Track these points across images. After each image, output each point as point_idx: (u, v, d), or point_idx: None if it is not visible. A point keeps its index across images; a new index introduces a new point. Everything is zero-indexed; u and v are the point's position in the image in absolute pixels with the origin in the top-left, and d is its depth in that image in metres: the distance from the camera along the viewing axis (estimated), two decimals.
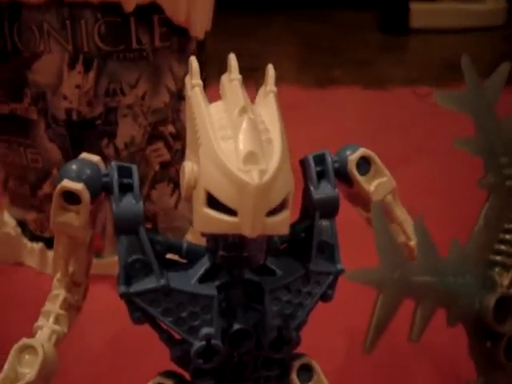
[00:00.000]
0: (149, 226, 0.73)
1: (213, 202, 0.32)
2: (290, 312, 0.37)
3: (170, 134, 0.71)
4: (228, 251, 0.34)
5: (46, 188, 0.73)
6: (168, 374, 0.38)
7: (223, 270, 0.36)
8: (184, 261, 0.37)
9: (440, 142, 0.82)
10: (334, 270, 0.38)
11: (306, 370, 0.40)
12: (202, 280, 0.36)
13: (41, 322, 0.38)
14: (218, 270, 0.36)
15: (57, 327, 0.38)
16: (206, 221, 0.32)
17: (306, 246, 0.38)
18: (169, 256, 0.37)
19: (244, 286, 0.36)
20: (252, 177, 0.31)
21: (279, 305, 0.37)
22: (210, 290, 0.36)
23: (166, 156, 0.71)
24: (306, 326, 0.39)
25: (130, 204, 0.35)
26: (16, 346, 0.36)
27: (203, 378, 0.37)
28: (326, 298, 0.39)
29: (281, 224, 0.33)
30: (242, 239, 0.33)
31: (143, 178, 0.71)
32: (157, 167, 0.71)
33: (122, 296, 0.35)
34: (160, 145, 0.71)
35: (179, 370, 0.38)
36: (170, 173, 0.72)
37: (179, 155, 0.72)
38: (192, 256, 0.37)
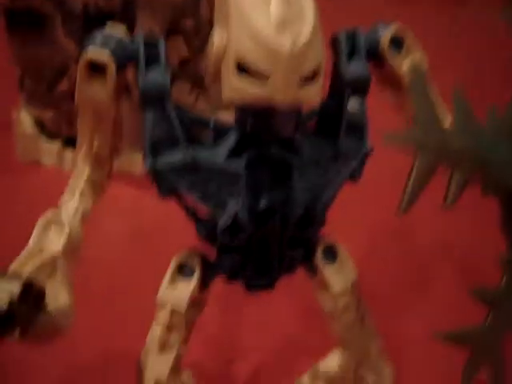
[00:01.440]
0: None
1: (243, 71, 0.31)
2: (317, 190, 0.37)
3: (190, 28, 0.69)
4: (257, 123, 0.33)
5: (63, 85, 0.72)
6: (192, 253, 0.38)
7: (251, 146, 0.35)
8: (210, 139, 0.37)
9: None
10: (363, 149, 0.38)
11: (331, 252, 0.40)
12: (230, 156, 0.35)
13: (66, 197, 0.38)
14: (246, 146, 0.35)
15: (82, 203, 0.38)
16: (237, 90, 0.32)
17: (335, 124, 0.37)
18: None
19: (272, 163, 0.36)
20: (286, 41, 0.30)
21: (307, 182, 0.36)
22: (237, 165, 0.35)
23: (185, 52, 0.70)
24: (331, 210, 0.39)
25: (156, 75, 0.34)
26: (41, 222, 0.36)
27: (229, 255, 0.37)
28: (354, 178, 0.38)
29: (312, 94, 0.32)
30: (272, 109, 0.32)
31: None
32: (176, 63, 0.70)
33: (149, 170, 0.35)
34: (179, 40, 0.69)
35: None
36: (188, 70, 0.71)
37: (198, 52, 0.70)
38: (219, 131, 0.36)
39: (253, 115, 0.34)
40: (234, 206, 0.35)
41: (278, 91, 0.31)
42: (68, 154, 0.76)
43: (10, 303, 0.30)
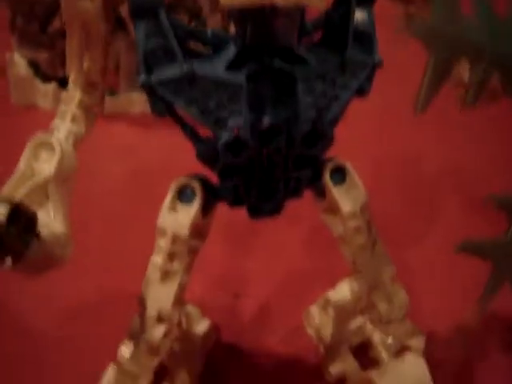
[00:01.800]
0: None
1: None
2: (324, 104, 0.34)
3: None
4: (257, 30, 0.31)
5: (56, 23, 0.70)
6: (192, 177, 0.36)
7: (251, 59, 0.33)
8: (207, 51, 0.34)
9: None
10: (372, 60, 0.35)
11: (340, 173, 0.38)
12: (230, 68, 0.33)
13: (56, 121, 0.36)
14: (246, 58, 0.33)
15: (74, 127, 0.36)
16: None
17: (341, 35, 0.35)
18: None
19: (275, 76, 0.33)
20: None
21: (313, 96, 0.34)
22: (238, 77, 0.33)
23: None
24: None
25: None
26: (31, 143, 0.34)
27: (231, 178, 0.35)
28: (362, 92, 0.36)
29: None
30: (272, 14, 0.30)
31: None
32: None
33: (143, 86, 0.33)
34: None
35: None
36: (186, 1, 0.68)
37: None
38: (217, 43, 0.34)
39: (252, 22, 0.31)
40: (236, 123, 0.33)
41: None
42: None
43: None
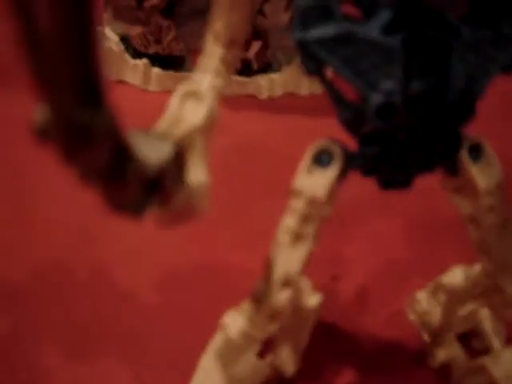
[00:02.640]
0: (258, 44, 0.70)
1: None
2: (474, 76, 0.34)
3: None
4: None
5: (154, 0, 0.70)
6: (332, 141, 0.36)
7: (406, 23, 0.33)
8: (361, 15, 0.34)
9: None
10: None
11: (476, 149, 0.37)
12: (385, 31, 0.32)
13: (199, 75, 0.36)
14: (401, 23, 0.33)
15: (216, 80, 0.35)
16: None
17: (494, 9, 0.34)
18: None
19: (429, 44, 0.33)
20: None
21: (465, 66, 0.33)
22: (393, 41, 0.32)
23: None
24: None
25: None
26: (179, 91, 0.34)
27: (371, 146, 0.35)
28: (508, 69, 0.35)
29: None
30: None
31: None
32: None
33: (298, 42, 0.32)
34: None
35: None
36: None
37: None
38: (372, 6, 0.33)
39: None
40: (389, 86, 0.32)
41: None
42: (154, 73, 0.74)
43: (162, 165, 0.27)
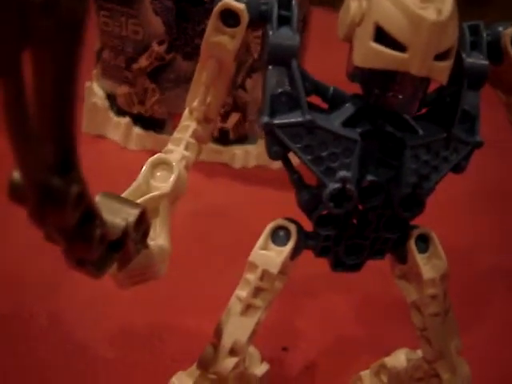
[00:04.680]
0: (237, 115, 0.73)
1: (380, 38, 0.32)
2: (425, 173, 0.37)
3: None
4: (384, 90, 0.33)
5: (143, 62, 0.73)
6: (289, 220, 0.38)
7: (366, 119, 0.35)
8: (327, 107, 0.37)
9: None
10: (473, 140, 0.37)
11: (424, 241, 0.39)
12: (345, 125, 0.35)
13: (171, 147, 0.38)
14: (361, 118, 0.36)
15: (187, 153, 0.38)
16: (372, 55, 0.32)
17: (449, 111, 0.37)
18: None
19: (385, 139, 0.36)
20: (429, 13, 0.31)
21: (417, 163, 0.36)
22: (353, 134, 0.35)
23: None
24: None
25: (286, 34, 0.35)
26: (150, 161, 0.36)
27: (325, 227, 0.37)
28: (459, 169, 0.38)
29: (445, 70, 0.33)
30: (402, 79, 0.32)
31: (241, 65, 0.70)
32: (256, 55, 0.70)
33: (265, 127, 0.35)
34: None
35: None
36: None
37: None
38: (336, 100, 0.36)
39: (380, 86, 0.34)
40: (345, 175, 0.35)
41: (415, 61, 0.31)
42: (135, 132, 0.76)
43: (126, 229, 0.29)
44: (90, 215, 0.25)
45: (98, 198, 0.29)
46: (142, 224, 0.31)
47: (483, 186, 0.74)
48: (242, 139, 0.74)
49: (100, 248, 0.27)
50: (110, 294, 0.52)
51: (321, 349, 0.52)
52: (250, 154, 0.74)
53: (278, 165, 0.74)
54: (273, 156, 0.36)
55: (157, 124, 0.76)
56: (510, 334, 0.57)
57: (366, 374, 0.47)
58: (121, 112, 0.77)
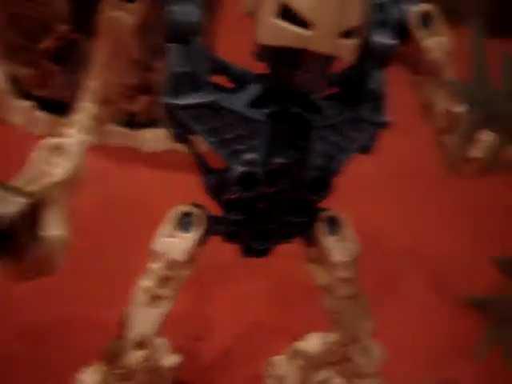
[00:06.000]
0: (146, 98, 0.71)
1: (284, 14, 0.30)
2: (332, 154, 0.36)
3: None
4: (291, 69, 0.32)
5: (46, 42, 0.70)
6: (196, 205, 0.37)
7: (272, 101, 0.34)
8: (232, 86, 0.35)
9: None
10: (379, 120, 0.37)
11: (334, 224, 0.38)
12: (251, 106, 0.34)
13: (67, 130, 0.36)
14: (267, 99, 0.34)
15: (85, 137, 0.36)
16: (275, 32, 0.31)
17: (355, 91, 0.36)
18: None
19: (291, 120, 0.35)
20: None
21: (324, 144, 0.35)
22: (259, 115, 0.34)
23: None
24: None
25: (187, 10, 0.33)
26: (43, 146, 0.34)
27: (233, 212, 0.36)
28: (365, 149, 0.37)
29: (351, 49, 0.32)
30: (308, 57, 0.31)
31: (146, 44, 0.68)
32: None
33: (168, 108, 0.33)
34: None
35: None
36: None
37: None
38: (242, 80, 0.35)
39: (284, 63, 0.32)
40: (251, 157, 0.34)
41: (319, 40, 0.30)
42: (38, 115, 0.73)
43: (12, 219, 0.27)
44: None
45: None
46: (32, 213, 0.29)
47: (393, 167, 0.74)
48: (152, 122, 0.72)
49: None
50: (15, 290, 0.50)
51: (234, 336, 0.51)
52: (161, 138, 0.72)
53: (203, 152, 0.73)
54: (176, 139, 0.34)
55: (62, 108, 0.72)
56: (422, 313, 0.57)
57: (280, 360, 0.47)
58: (23, 95, 0.73)
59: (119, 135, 0.70)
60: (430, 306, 0.58)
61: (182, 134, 0.34)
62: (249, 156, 0.34)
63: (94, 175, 0.65)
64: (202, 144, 0.34)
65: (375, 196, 0.70)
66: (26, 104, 0.72)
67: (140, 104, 0.70)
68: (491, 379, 0.50)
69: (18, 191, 0.28)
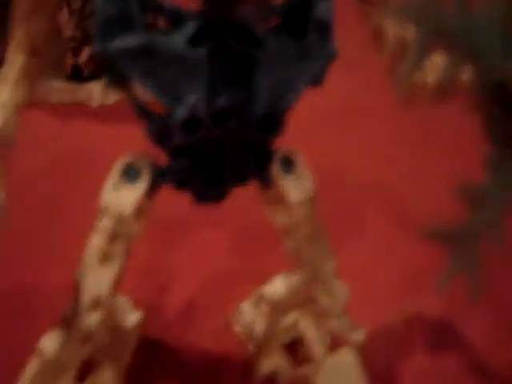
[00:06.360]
0: (90, 49, 0.68)
1: None
2: (280, 90, 0.34)
3: None
4: (224, 6, 0.30)
5: None
6: (140, 156, 0.35)
7: (211, 37, 0.32)
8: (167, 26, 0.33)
9: None
10: (328, 51, 0.35)
11: (289, 162, 0.37)
12: (189, 44, 0.32)
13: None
14: (206, 36, 0.32)
15: (15, 92, 0.33)
16: None
17: (301, 21, 0.34)
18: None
19: (233, 56, 0.32)
20: None
21: (270, 80, 0.33)
22: (198, 53, 0.32)
23: None
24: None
25: None
26: None
27: (181, 159, 0.34)
28: (316, 82, 0.36)
29: None
30: None
31: None
32: None
33: (99, 54, 0.31)
34: None
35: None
36: None
37: None
38: (176, 18, 0.32)
39: None
40: (193, 99, 0.32)
41: None
42: None
43: None
44: None
45: None
46: None
47: (347, 103, 0.73)
48: (98, 74, 0.69)
49: None
50: None
51: (198, 287, 0.50)
52: (108, 90, 0.69)
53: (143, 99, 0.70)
54: (112, 84, 0.32)
55: None
56: (385, 247, 0.57)
57: (246, 307, 0.46)
58: None
59: (65, 91, 0.67)
60: (392, 240, 0.58)
61: (116, 79, 0.32)
62: (191, 99, 0.32)
63: (44, 134, 0.63)
64: (141, 91, 0.32)
65: (328, 133, 0.69)
66: None
67: (84, 56, 0.67)
68: (454, 310, 0.50)
69: None
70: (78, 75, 0.68)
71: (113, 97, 0.70)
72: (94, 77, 0.69)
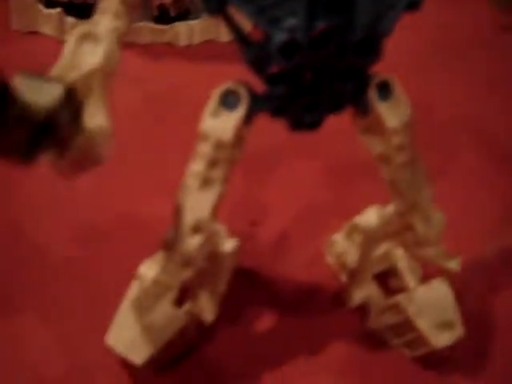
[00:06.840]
0: None
1: None
2: (379, 13, 0.33)
3: None
4: None
5: None
6: (238, 83, 0.35)
7: None
8: None
9: None
10: None
11: (385, 88, 0.36)
12: None
13: (97, 16, 0.34)
14: None
15: (116, 22, 0.34)
16: None
17: None
18: None
19: None
20: None
21: (370, 2, 0.33)
22: None
23: None
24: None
25: None
26: (75, 34, 0.32)
27: (278, 86, 0.34)
28: (414, 6, 0.35)
29: None
30: None
31: None
32: None
33: None
34: None
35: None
36: None
37: None
38: None
39: None
40: (292, 23, 0.31)
41: None
42: (69, 22, 0.71)
43: (51, 109, 0.26)
44: (3, 95, 0.22)
45: (16, 79, 0.26)
46: (71, 102, 0.27)
47: (440, 37, 0.71)
48: (184, 15, 0.69)
49: (24, 131, 0.24)
50: (65, 195, 0.50)
51: (291, 219, 0.51)
52: (195, 30, 0.69)
53: (225, 38, 0.70)
54: (212, 11, 0.32)
55: (91, 10, 0.70)
56: (476, 182, 0.56)
57: (338, 237, 0.46)
58: (50, 3, 0.71)
59: (152, 31, 0.68)
60: (483, 175, 0.56)
61: (216, 5, 0.32)
62: (289, 22, 0.31)
63: (132, 74, 0.64)
64: (240, 17, 0.32)
65: (419, 69, 0.67)
66: (55, 11, 0.70)
67: None
68: None
69: (54, 81, 0.27)
70: (164, 16, 0.69)
71: (199, 36, 0.70)
72: (180, 18, 0.69)
